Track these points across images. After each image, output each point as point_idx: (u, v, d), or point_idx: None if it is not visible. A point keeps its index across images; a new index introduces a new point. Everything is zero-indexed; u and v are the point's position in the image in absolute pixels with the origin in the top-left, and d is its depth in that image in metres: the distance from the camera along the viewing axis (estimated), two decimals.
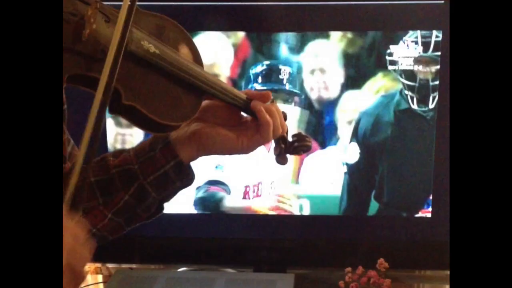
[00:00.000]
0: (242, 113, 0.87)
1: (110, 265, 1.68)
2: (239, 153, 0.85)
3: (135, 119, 0.77)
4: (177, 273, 1.60)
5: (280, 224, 1.56)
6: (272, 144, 0.89)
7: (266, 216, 1.56)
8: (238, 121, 0.86)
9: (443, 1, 1.42)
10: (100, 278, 1.71)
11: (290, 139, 0.89)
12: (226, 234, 1.57)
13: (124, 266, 1.66)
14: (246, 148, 0.84)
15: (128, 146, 1.27)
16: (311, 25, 1.46)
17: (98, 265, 1.67)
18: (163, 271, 1.63)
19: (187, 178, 0.85)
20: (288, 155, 0.90)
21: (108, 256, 1.59)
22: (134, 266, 1.65)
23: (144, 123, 0.77)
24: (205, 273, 1.57)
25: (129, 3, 0.70)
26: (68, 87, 0.73)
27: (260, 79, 1.49)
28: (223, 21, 1.48)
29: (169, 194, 0.86)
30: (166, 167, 0.83)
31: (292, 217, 1.56)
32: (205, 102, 0.83)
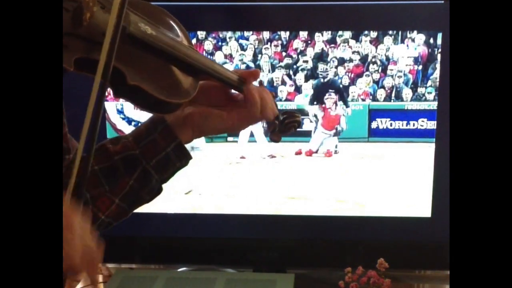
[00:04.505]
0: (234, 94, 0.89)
1: (110, 265, 1.68)
2: (231, 131, 0.88)
3: (139, 100, 0.79)
4: (177, 273, 1.60)
5: (280, 224, 1.56)
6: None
7: (266, 216, 1.56)
8: (230, 99, 0.88)
9: (443, 1, 1.42)
10: (100, 278, 1.71)
11: (280, 117, 0.92)
12: (226, 234, 1.58)
13: (124, 266, 1.66)
14: (237, 126, 0.87)
15: None
16: (310, 25, 1.47)
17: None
18: (163, 271, 1.63)
19: (186, 158, 0.87)
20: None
21: (108, 256, 1.58)
22: (134, 266, 1.65)
23: (148, 104, 0.79)
24: (205, 273, 1.57)
25: None
26: (67, 80, 0.73)
27: None
28: (223, 21, 1.48)
29: (169, 175, 0.89)
30: (167, 149, 0.85)
31: (292, 217, 1.56)
32: (199, 85, 0.85)
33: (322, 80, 1.49)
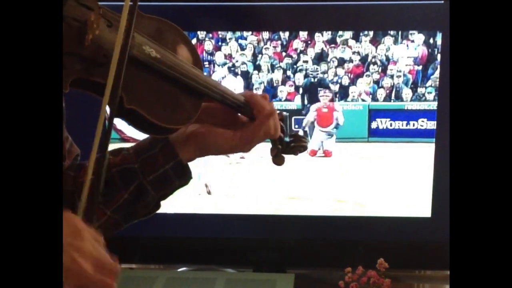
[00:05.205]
0: (239, 115, 0.88)
1: None
2: (236, 151, 0.87)
3: (137, 122, 0.78)
4: (177, 273, 1.60)
5: (280, 224, 1.56)
6: (269, 145, 0.90)
7: (266, 216, 1.56)
8: (235, 122, 0.87)
9: (443, 1, 1.42)
10: None
11: (287, 139, 0.90)
12: (226, 234, 1.58)
13: (124, 266, 1.66)
14: (241, 145, 0.85)
15: None
16: (310, 25, 1.47)
17: None
18: (163, 271, 1.63)
19: (185, 177, 0.86)
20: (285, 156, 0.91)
21: None
22: (134, 266, 1.65)
23: (145, 126, 0.78)
24: (205, 273, 1.57)
25: (130, 3, 0.70)
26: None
27: None
28: (223, 21, 1.48)
29: (167, 193, 0.87)
30: (166, 167, 0.84)
31: (292, 217, 1.56)
32: (203, 104, 0.83)
33: (312, 79, 1.49)
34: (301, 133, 1.49)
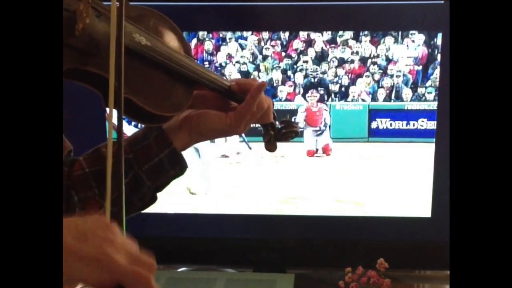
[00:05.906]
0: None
1: None
2: (230, 131, 0.86)
3: (130, 111, 0.78)
4: (177, 273, 1.60)
5: (280, 224, 1.56)
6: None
7: (266, 216, 1.56)
8: (226, 107, 0.87)
9: (443, 1, 1.42)
10: None
11: (278, 125, 0.91)
12: (226, 234, 1.58)
13: None
14: (235, 123, 0.84)
15: None
16: (310, 25, 1.47)
17: None
18: (163, 271, 1.63)
19: (180, 166, 0.86)
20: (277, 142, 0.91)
21: None
22: None
23: (139, 115, 0.78)
24: (205, 273, 1.57)
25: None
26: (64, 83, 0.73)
27: None
28: (223, 21, 1.48)
29: (163, 183, 0.87)
30: (160, 155, 0.84)
31: (292, 217, 1.56)
32: (195, 92, 0.84)
33: (312, 79, 1.49)
34: None
